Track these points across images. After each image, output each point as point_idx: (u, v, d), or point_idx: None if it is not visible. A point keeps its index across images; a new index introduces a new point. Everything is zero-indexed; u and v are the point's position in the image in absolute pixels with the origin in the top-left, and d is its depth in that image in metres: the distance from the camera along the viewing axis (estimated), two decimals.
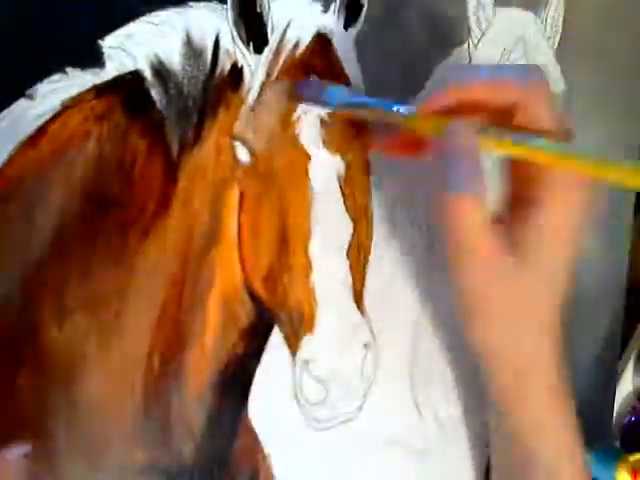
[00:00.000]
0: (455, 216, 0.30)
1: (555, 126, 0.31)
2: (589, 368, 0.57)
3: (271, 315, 0.37)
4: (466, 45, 0.45)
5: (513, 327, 0.33)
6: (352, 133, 0.38)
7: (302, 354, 0.37)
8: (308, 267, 0.36)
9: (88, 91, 0.30)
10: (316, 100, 0.34)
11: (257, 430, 0.37)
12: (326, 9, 0.37)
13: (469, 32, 0.45)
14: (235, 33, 0.33)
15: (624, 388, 0.74)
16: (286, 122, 0.35)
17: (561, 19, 0.50)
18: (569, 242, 0.33)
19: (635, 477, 0.66)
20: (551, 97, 0.31)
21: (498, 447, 0.39)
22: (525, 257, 0.32)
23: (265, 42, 0.34)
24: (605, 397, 0.62)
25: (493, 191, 0.32)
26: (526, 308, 0.33)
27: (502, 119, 0.31)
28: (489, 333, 0.34)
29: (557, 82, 0.50)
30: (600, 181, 0.30)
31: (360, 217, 0.39)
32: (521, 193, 0.33)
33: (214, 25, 0.33)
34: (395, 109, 0.33)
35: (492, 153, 0.31)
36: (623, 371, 0.73)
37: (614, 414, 0.66)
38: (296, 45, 0.35)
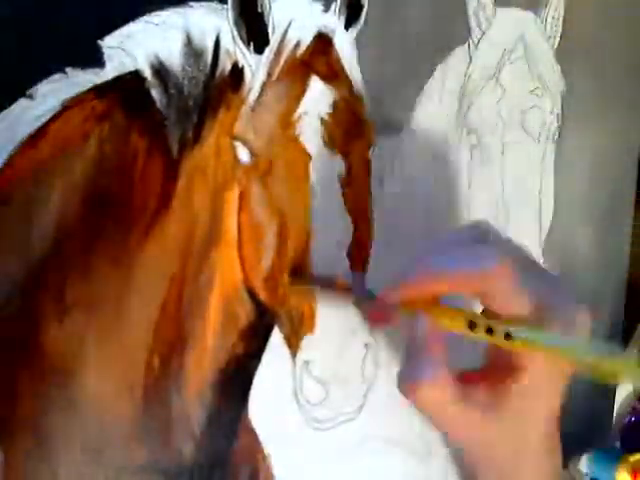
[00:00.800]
0: (420, 403, 0.31)
1: (526, 309, 0.30)
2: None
3: (271, 315, 0.37)
4: (466, 45, 0.45)
5: (509, 468, 0.33)
6: (353, 133, 0.38)
7: (302, 354, 0.37)
8: (308, 267, 0.36)
9: (88, 91, 0.30)
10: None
11: (257, 430, 0.37)
12: (327, 9, 0.37)
13: (469, 32, 0.45)
14: (236, 33, 0.33)
15: (624, 388, 0.74)
16: (287, 122, 0.35)
17: (561, 19, 0.50)
18: (549, 394, 0.32)
19: (635, 477, 0.66)
20: (519, 282, 0.30)
21: None
22: (507, 413, 0.31)
23: (266, 42, 0.34)
24: (605, 397, 0.62)
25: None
26: (518, 450, 0.32)
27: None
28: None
29: (557, 82, 0.50)
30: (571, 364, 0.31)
31: (360, 217, 0.39)
32: (502, 356, 0.32)
33: (214, 25, 0.33)
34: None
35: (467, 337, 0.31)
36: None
37: (614, 414, 0.66)
38: (297, 45, 0.35)
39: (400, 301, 0.31)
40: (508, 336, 0.30)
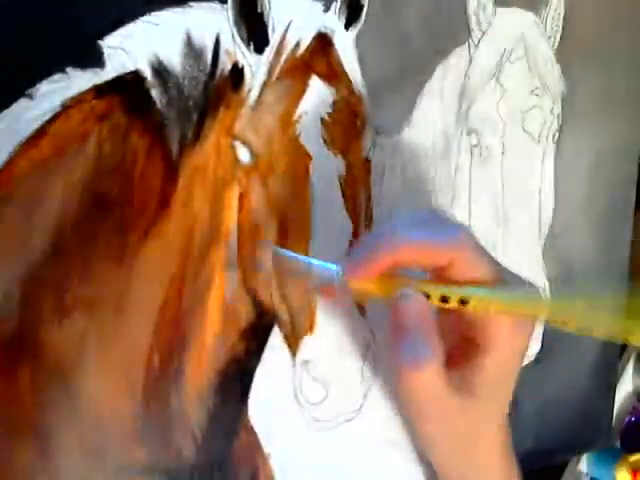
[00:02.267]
0: (407, 384, 0.32)
1: (489, 276, 0.32)
2: (589, 368, 0.57)
3: (271, 315, 0.37)
4: (466, 45, 0.45)
5: (465, 454, 0.36)
6: (353, 133, 0.38)
7: (302, 354, 0.37)
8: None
9: (88, 91, 0.30)
10: None
11: (257, 430, 0.37)
12: (327, 9, 0.37)
13: (469, 32, 0.45)
14: (236, 33, 0.33)
15: (624, 388, 0.74)
16: (287, 122, 0.35)
17: (561, 19, 0.50)
18: (512, 377, 0.35)
19: (635, 477, 0.66)
20: (480, 250, 0.32)
21: None
22: (472, 397, 0.33)
23: (266, 42, 0.34)
24: (605, 397, 0.62)
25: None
26: (475, 437, 0.35)
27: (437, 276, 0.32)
28: (441, 458, 0.38)
29: (557, 82, 0.50)
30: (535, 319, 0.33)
31: (360, 217, 0.39)
32: (466, 336, 0.34)
33: (215, 25, 0.33)
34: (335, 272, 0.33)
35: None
36: (623, 371, 0.73)
37: (614, 414, 0.65)
38: (297, 45, 0.35)
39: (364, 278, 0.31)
40: (463, 302, 0.31)
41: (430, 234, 0.31)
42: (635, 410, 0.74)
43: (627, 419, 0.74)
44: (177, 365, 0.34)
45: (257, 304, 0.36)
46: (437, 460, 0.38)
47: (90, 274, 0.31)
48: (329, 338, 0.37)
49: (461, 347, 0.34)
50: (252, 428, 0.37)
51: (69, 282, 0.31)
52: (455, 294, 0.31)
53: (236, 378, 0.36)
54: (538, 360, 0.51)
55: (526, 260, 0.50)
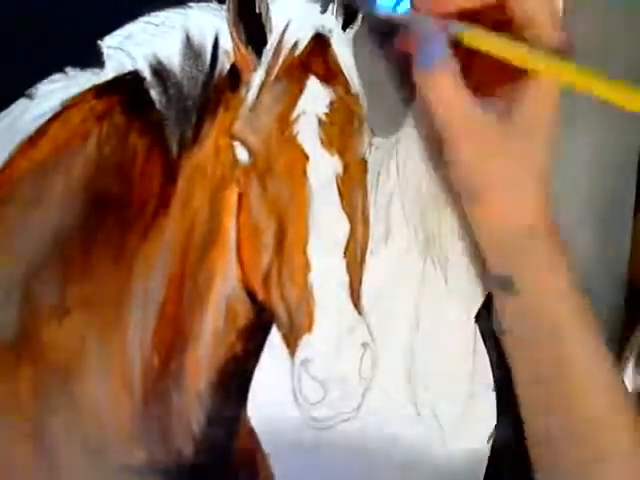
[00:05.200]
0: (433, 92, 0.33)
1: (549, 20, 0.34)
2: None
3: (270, 315, 0.37)
4: None
5: (513, 192, 0.36)
6: (350, 133, 0.38)
7: (301, 354, 0.37)
8: (306, 267, 0.36)
9: (88, 91, 0.31)
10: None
11: (256, 429, 0.37)
12: (324, 9, 0.37)
13: None
14: (234, 34, 0.34)
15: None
16: (285, 122, 0.36)
17: (560, 20, 0.50)
18: (547, 126, 0.35)
19: None
20: None
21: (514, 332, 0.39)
22: (510, 124, 0.34)
23: (264, 42, 0.35)
24: None
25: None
26: (521, 171, 0.35)
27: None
28: (490, 202, 0.36)
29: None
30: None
31: (357, 217, 0.39)
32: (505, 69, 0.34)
33: (213, 26, 0.33)
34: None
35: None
36: (623, 371, 0.73)
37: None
38: (295, 45, 0.36)
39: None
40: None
41: None
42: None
43: None
44: (176, 365, 0.34)
45: (256, 303, 0.37)
46: (474, 200, 0.37)
47: (90, 274, 0.32)
48: (328, 337, 0.37)
49: (498, 78, 0.35)
50: (251, 427, 0.37)
51: (69, 282, 0.31)
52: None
53: (235, 377, 0.36)
54: None
55: None
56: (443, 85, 0.33)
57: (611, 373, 0.37)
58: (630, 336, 0.72)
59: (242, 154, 0.35)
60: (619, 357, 0.68)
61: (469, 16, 0.34)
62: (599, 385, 0.37)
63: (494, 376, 0.45)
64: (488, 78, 0.35)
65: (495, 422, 0.45)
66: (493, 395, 0.45)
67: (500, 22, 0.34)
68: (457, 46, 0.33)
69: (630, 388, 0.74)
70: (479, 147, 0.34)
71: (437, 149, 0.39)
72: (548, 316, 0.36)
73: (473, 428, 0.46)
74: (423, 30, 0.34)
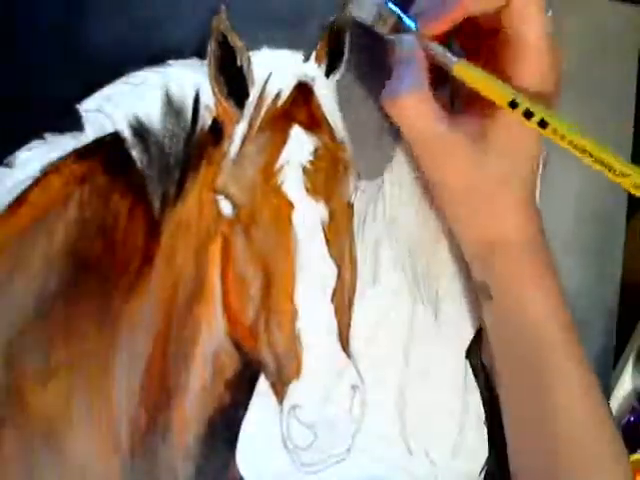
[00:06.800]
0: (399, 118, 0.34)
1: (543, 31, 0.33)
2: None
3: (257, 364, 0.37)
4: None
5: (491, 210, 0.36)
6: (335, 179, 0.38)
7: (289, 400, 0.37)
8: (294, 313, 0.36)
9: (68, 155, 0.30)
10: None
11: (245, 478, 0.37)
12: (307, 58, 0.37)
13: None
14: (216, 88, 0.33)
15: (623, 388, 0.73)
16: (269, 172, 0.35)
17: None
18: (525, 147, 0.35)
19: (635, 477, 0.66)
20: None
21: (501, 356, 0.40)
22: (488, 143, 0.34)
23: (246, 95, 0.34)
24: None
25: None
26: (499, 190, 0.35)
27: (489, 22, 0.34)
28: (469, 218, 0.37)
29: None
30: None
31: (344, 261, 0.39)
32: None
33: (194, 82, 0.33)
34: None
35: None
36: (622, 371, 0.73)
37: (613, 414, 0.65)
38: (277, 96, 0.35)
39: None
40: (543, 122, 0.32)
41: None
42: (635, 410, 0.74)
43: (626, 419, 0.74)
44: (164, 420, 0.34)
45: (243, 354, 0.37)
46: (455, 219, 0.39)
47: (74, 336, 0.32)
48: (316, 382, 0.37)
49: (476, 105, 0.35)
50: (240, 476, 0.37)
51: (54, 345, 0.31)
52: (538, 112, 0.32)
53: (223, 428, 0.36)
54: None
55: None
56: (408, 110, 0.33)
57: (593, 389, 0.38)
58: (629, 336, 0.72)
59: (226, 207, 0.35)
60: (618, 357, 0.68)
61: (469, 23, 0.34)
62: (582, 404, 0.38)
63: (485, 410, 0.45)
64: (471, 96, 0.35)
65: (487, 455, 0.45)
66: (484, 429, 0.45)
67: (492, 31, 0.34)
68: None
69: (630, 388, 0.74)
70: (452, 166, 0.35)
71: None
72: (524, 324, 0.37)
73: (465, 463, 0.47)
74: (406, 52, 0.34)
